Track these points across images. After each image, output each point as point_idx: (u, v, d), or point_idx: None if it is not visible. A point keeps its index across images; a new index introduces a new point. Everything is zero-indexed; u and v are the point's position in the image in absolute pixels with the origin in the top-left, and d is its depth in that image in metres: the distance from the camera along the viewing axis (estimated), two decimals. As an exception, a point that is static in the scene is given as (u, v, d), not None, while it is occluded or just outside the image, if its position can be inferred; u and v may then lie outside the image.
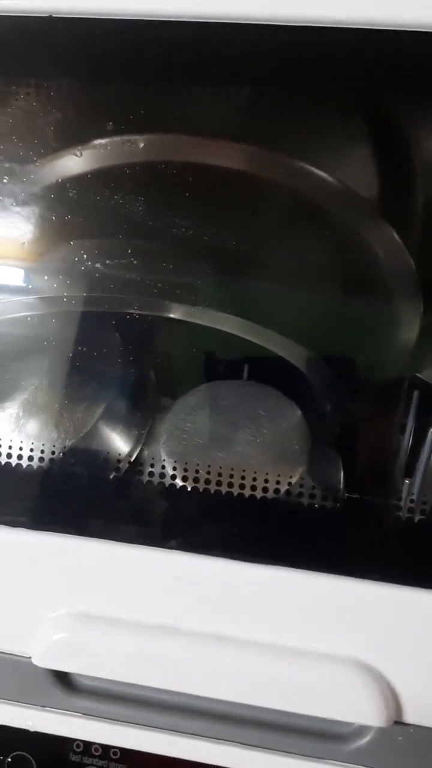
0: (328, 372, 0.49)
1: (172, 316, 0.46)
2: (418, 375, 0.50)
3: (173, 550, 0.39)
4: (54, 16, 0.39)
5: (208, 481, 0.41)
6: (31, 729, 0.40)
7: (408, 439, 0.46)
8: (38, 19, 0.39)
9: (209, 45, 0.43)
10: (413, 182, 0.50)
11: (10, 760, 0.41)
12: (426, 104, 0.48)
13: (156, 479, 0.42)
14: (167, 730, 0.40)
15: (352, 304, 0.51)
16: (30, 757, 0.41)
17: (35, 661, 0.39)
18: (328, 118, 0.49)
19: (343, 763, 0.38)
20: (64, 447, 0.44)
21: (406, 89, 0.47)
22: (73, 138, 0.44)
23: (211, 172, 0.47)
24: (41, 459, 0.43)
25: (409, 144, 0.50)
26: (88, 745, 0.40)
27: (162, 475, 0.42)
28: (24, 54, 0.40)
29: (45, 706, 0.41)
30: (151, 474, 0.42)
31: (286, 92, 0.47)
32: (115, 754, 0.40)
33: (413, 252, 0.48)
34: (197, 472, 0.42)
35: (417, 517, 0.40)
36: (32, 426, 0.45)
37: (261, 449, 0.45)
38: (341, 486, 0.44)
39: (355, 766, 0.38)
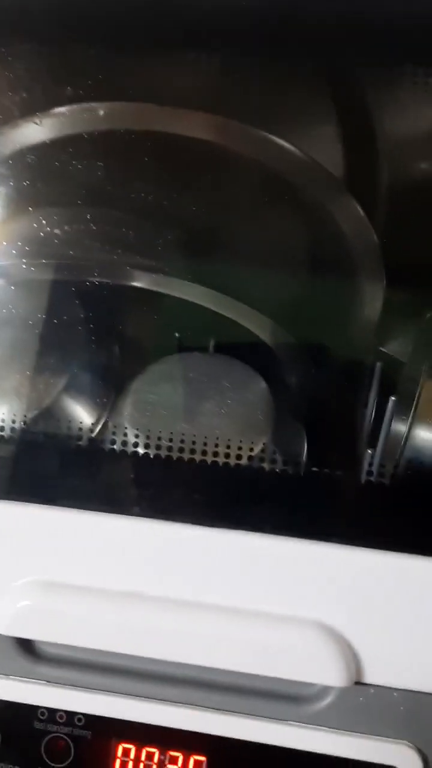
0: (293, 344, 0.49)
1: (135, 284, 0.46)
2: (382, 349, 0.50)
3: (137, 517, 0.39)
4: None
5: (170, 449, 0.41)
6: (-5, 697, 0.40)
7: (371, 410, 0.47)
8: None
9: (172, 9, 0.42)
10: (378, 159, 0.51)
11: (-26, 729, 0.41)
12: (390, 79, 0.48)
13: (119, 448, 0.42)
14: (130, 695, 0.40)
15: (318, 277, 0.51)
16: (-6, 726, 0.41)
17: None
18: (295, 90, 0.49)
19: (305, 724, 0.39)
20: (28, 417, 0.44)
21: (371, 63, 0.47)
22: (33, 105, 0.43)
23: (174, 141, 0.46)
24: (1, 428, 0.42)
25: (373, 121, 0.50)
26: (52, 712, 0.40)
27: (125, 443, 0.42)
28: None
29: (8, 675, 0.41)
30: (114, 442, 0.42)
31: (252, 63, 0.47)
32: (79, 720, 0.40)
33: (377, 227, 0.49)
34: (160, 439, 0.42)
35: (378, 482, 0.41)
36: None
37: (225, 419, 0.45)
38: (305, 454, 0.45)
39: (317, 726, 0.39)
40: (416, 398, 0.44)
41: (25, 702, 0.40)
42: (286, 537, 0.38)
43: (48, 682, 0.40)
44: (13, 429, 0.43)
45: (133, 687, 0.40)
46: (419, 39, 0.45)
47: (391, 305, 0.49)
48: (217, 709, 0.39)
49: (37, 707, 0.40)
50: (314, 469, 0.43)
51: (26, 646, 0.41)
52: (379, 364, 0.48)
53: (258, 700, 0.39)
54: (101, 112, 0.44)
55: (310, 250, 0.51)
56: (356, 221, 0.49)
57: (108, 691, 0.40)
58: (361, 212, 0.49)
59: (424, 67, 0.46)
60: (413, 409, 0.43)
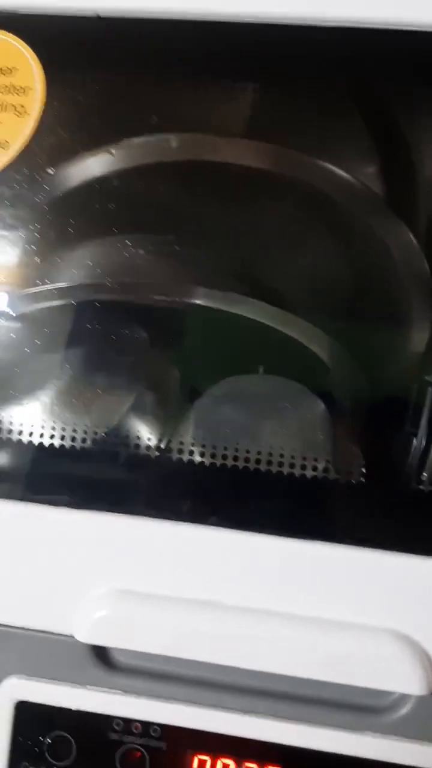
0: (350, 365, 0.50)
1: (199, 302, 0.47)
2: (428, 378, 0.52)
3: (214, 527, 0.40)
4: (101, 15, 0.41)
5: (247, 460, 0.42)
6: (73, 708, 0.41)
7: (424, 434, 0.48)
8: (86, 18, 0.41)
9: (232, 45, 0.45)
10: (425, 190, 0.53)
11: (50, 740, 0.41)
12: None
13: (195, 459, 0.43)
14: (207, 705, 0.40)
15: (368, 303, 0.52)
16: (70, 736, 0.41)
17: (79, 638, 0.40)
18: (341, 122, 0.51)
19: (381, 734, 0.39)
20: (102, 432, 0.45)
21: (421, 89, 0.49)
22: (117, 131, 0.46)
23: (239, 170, 0.49)
24: (84, 440, 0.44)
25: (422, 145, 0.52)
26: (128, 722, 0.41)
27: (192, 454, 0.43)
28: (73, 51, 0.42)
29: (85, 684, 0.41)
30: (190, 453, 0.43)
31: (304, 92, 0.49)
32: (155, 731, 0.40)
33: (428, 255, 0.50)
34: (237, 453, 0.43)
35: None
36: (70, 412, 0.46)
37: (287, 438, 0.46)
38: (364, 468, 0.46)
39: (393, 736, 0.39)
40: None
41: (100, 712, 0.41)
42: (362, 547, 0.39)
43: (124, 692, 0.41)
44: (94, 441, 0.44)
45: (208, 697, 0.40)
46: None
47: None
48: (293, 719, 0.40)
49: (112, 717, 0.41)
50: (381, 482, 0.44)
51: (102, 655, 0.41)
52: (430, 390, 0.49)
53: (334, 710, 0.40)
54: (174, 143, 0.46)
55: (362, 275, 0.53)
56: (408, 249, 0.51)
57: (183, 701, 0.40)
58: (414, 240, 0.51)
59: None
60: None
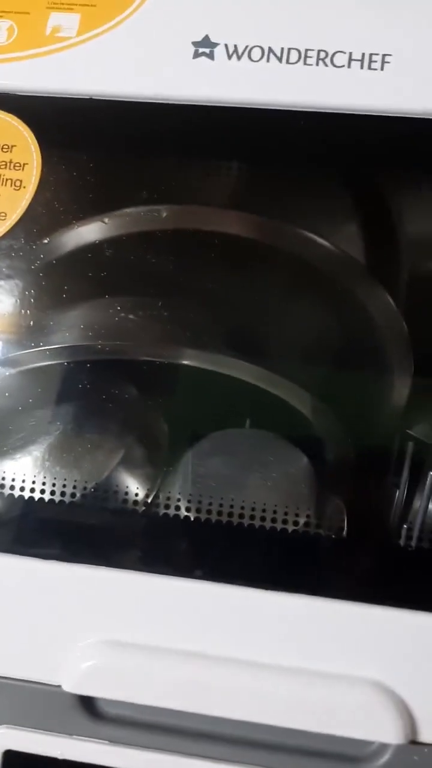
0: (332, 421, 0.52)
1: (189, 363, 0.50)
2: (409, 432, 0.54)
3: (199, 580, 0.42)
4: (94, 98, 0.44)
5: (231, 514, 0.44)
6: (59, 757, 0.42)
7: (405, 486, 0.49)
8: (81, 100, 0.44)
9: (218, 127, 0.48)
10: (403, 254, 0.55)
11: (37, 790, 0.42)
12: (413, 179, 0.53)
13: (183, 514, 0.45)
14: (191, 755, 0.41)
15: (350, 362, 0.55)
16: (57, 786, 0.42)
17: (66, 688, 0.41)
18: (322, 193, 0.55)
19: (361, 784, 0.40)
20: (91, 486, 0.47)
21: (394, 167, 0.53)
22: (109, 204, 0.48)
23: (224, 238, 0.52)
24: (73, 495, 0.45)
25: (399, 214, 0.55)
26: (114, 772, 0.41)
27: (179, 509, 0.45)
28: (68, 129, 0.46)
29: (72, 734, 0.42)
30: (177, 508, 0.45)
31: (290, 170, 0.52)
32: (140, 781, 0.41)
33: (405, 316, 0.53)
34: (215, 507, 0.44)
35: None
36: (59, 467, 0.48)
37: (272, 491, 0.48)
38: (346, 523, 0.47)
39: (373, 786, 0.40)
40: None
41: (86, 761, 0.42)
42: (343, 600, 0.41)
43: (110, 741, 0.42)
44: (83, 496, 0.46)
45: (192, 747, 0.41)
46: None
47: (417, 390, 0.52)
48: (276, 769, 0.41)
49: (98, 767, 0.42)
50: (364, 536, 0.45)
51: (89, 705, 0.42)
52: (410, 444, 0.51)
53: (317, 759, 0.41)
54: (163, 214, 0.49)
55: (344, 337, 0.55)
56: (387, 311, 0.53)
57: (168, 751, 0.41)
58: (392, 303, 0.53)
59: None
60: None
